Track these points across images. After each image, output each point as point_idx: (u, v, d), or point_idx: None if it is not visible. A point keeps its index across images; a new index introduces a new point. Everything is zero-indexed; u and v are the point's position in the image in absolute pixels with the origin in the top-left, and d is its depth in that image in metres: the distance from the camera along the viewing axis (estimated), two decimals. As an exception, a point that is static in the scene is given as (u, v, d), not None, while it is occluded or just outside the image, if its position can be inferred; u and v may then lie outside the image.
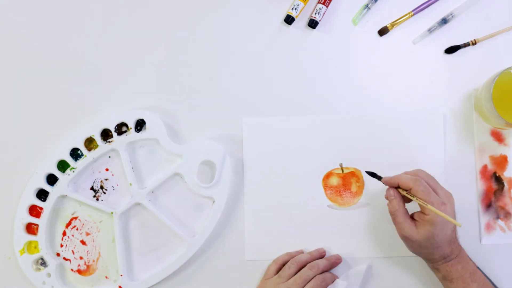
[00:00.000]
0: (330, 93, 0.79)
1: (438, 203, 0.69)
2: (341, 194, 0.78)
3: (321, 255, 0.77)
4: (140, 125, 0.78)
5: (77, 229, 0.79)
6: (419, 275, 0.78)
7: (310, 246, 0.78)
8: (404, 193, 0.71)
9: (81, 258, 0.78)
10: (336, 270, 0.77)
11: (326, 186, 0.78)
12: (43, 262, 0.78)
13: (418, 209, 0.71)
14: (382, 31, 0.80)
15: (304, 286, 0.73)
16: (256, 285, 0.77)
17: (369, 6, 0.80)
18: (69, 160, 0.77)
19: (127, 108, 0.79)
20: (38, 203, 0.77)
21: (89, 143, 0.78)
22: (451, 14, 0.79)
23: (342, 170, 0.78)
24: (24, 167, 0.79)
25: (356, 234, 0.78)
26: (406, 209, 0.71)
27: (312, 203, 0.78)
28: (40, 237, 0.77)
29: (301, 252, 0.77)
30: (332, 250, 0.78)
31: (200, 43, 0.80)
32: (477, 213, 0.78)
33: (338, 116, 0.79)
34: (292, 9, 0.79)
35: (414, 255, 0.73)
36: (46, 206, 0.77)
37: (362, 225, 0.78)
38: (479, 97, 0.77)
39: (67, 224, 0.79)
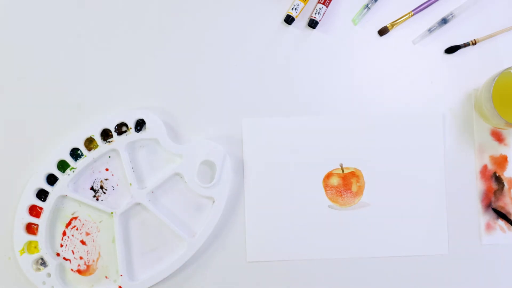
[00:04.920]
0: (330, 93, 0.79)
1: None
2: (341, 194, 0.78)
3: None
4: (140, 125, 0.78)
5: (77, 229, 0.79)
6: (419, 275, 0.78)
7: (311, 246, 0.78)
8: None
9: (81, 258, 0.78)
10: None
11: (326, 186, 0.78)
12: (43, 262, 0.78)
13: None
14: (382, 31, 0.80)
15: None
16: (258, 287, 0.77)
17: (369, 6, 0.80)
18: (69, 160, 0.77)
19: (127, 108, 0.79)
20: (38, 203, 0.77)
21: (89, 143, 0.78)
22: (451, 14, 0.79)
23: (343, 170, 0.78)
24: (24, 167, 0.79)
25: (357, 234, 0.78)
26: None
27: (313, 203, 0.78)
28: (40, 237, 0.77)
29: None
30: (333, 250, 0.78)
31: (200, 43, 0.80)
32: (477, 213, 0.78)
33: (338, 116, 0.79)
34: (292, 9, 0.79)
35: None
36: (46, 206, 0.77)
37: (363, 225, 0.78)
38: (479, 97, 0.77)
39: (67, 224, 0.79)
